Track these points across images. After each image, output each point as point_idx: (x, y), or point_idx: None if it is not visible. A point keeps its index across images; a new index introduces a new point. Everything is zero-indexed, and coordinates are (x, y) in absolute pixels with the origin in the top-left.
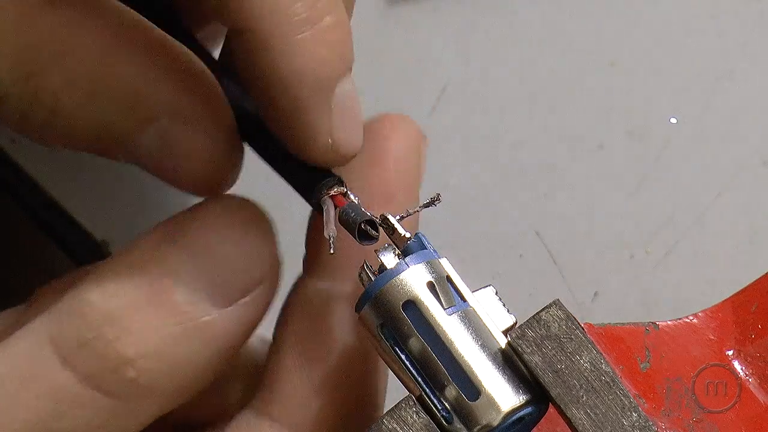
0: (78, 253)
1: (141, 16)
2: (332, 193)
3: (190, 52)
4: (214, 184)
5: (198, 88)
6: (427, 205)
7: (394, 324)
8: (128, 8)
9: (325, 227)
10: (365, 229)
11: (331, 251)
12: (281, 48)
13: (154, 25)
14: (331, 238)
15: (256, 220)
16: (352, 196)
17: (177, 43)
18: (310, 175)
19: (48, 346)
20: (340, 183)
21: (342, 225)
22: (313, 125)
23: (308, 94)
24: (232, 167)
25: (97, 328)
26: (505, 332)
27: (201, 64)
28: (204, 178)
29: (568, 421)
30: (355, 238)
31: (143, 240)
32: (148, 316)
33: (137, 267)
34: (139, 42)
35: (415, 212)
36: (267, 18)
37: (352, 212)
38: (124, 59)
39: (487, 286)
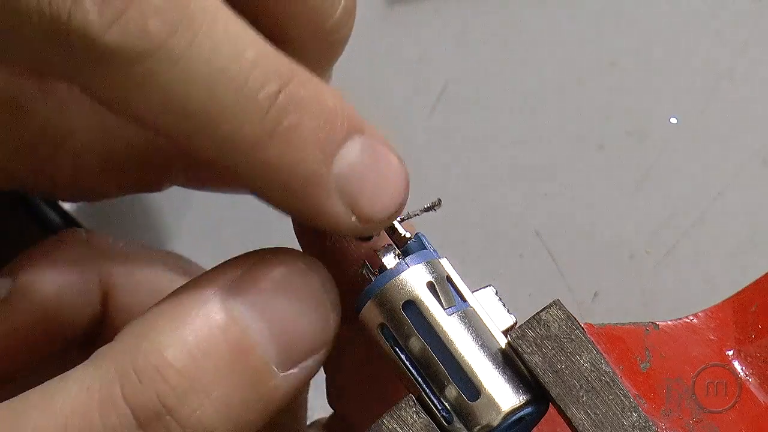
0: None
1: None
2: None
3: None
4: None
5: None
6: (428, 209)
7: (394, 324)
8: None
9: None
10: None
11: (327, 242)
12: (247, 167)
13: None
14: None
15: (328, 287)
16: None
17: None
18: None
19: (122, 408)
20: None
21: None
22: (327, 214)
23: (299, 191)
24: None
25: (181, 395)
26: (505, 332)
27: None
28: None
29: (568, 421)
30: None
31: (208, 288)
32: (230, 380)
33: (215, 325)
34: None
35: (415, 215)
36: (219, 151)
37: None
38: (122, 129)
39: (487, 286)
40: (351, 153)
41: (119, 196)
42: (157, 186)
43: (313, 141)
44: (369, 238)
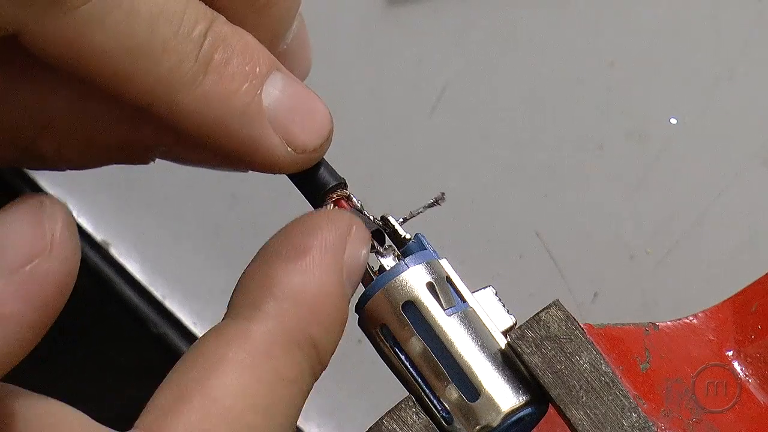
0: None
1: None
2: (334, 198)
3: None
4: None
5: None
6: (431, 205)
7: (394, 324)
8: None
9: None
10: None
11: None
12: (186, 105)
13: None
14: None
15: (31, 206)
16: (355, 200)
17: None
18: (314, 180)
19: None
20: (343, 187)
21: None
22: (263, 145)
23: (237, 125)
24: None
25: None
26: (505, 333)
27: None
28: (235, 165)
29: (568, 422)
30: None
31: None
32: None
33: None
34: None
35: (419, 213)
36: (160, 89)
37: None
38: (103, 115)
39: (487, 287)
40: (276, 86)
41: (107, 165)
42: (143, 161)
43: (242, 74)
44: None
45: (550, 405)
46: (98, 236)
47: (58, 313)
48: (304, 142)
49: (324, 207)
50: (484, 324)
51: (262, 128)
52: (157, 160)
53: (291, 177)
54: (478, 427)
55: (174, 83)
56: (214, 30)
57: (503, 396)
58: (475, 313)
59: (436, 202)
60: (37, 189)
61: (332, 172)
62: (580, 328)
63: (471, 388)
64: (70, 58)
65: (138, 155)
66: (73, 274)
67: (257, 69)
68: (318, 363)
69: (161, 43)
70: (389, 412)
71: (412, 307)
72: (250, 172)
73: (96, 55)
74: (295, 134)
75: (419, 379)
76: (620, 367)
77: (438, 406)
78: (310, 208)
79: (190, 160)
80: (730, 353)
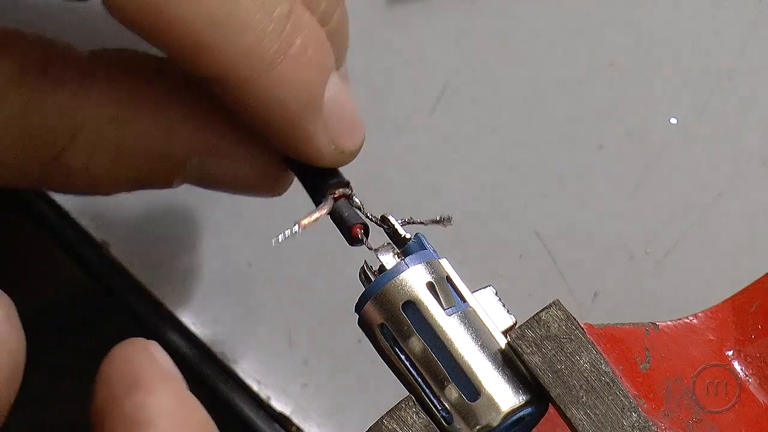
0: (78, 253)
1: (143, 72)
2: (335, 194)
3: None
4: (268, 189)
5: (218, 121)
6: (435, 222)
7: (393, 324)
8: (130, 67)
9: (302, 219)
10: (356, 233)
11: (274, 239)
12: (260, 85)
13: (159, 76)
14: (290, 232)
15: None
16: (357, 200)
17: (184, 84)
18: (320, 177)
19: None
20: (345, 186)
21: (334, 222)
22: (314, 139)
23: (299, 115)
24: (280, 176)
25: None
26: (505, 332)
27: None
28: (256, 189)
29: (568, 422)
30: (346, 239)
31: None
32: None
33: None
34: (146, 100)
35: (420, 223)
36: (240, 63)
37: (347, 211)
38: (136, 121)
39: (487, 287)
40: (334, 84)
41: (131, 191)
42: (168, 182)
43: (316, 65)
44: (362, 242)
45: (550, 405)
46: (98, 236)
47: (9, 408)
48: (345, 143)
49: (324, 202)
50: (484, 324)
51: (318, 122)
52: None
53: (297, 173)
54: (478, 427)
55: (253, 61)
56: (295, 14)
57: (503, 396)
58: (475, 312)
59: (440, 222)
60: (36, 192)
61: (338, 173)
62: (580, 328)
63: (471, 388)
64: (153, 25)
65: (168, 171)
66: (19, 367)
67: (328, 63)
68: None
69: (244, 16)
70: (389, 412)
71: (412, 306)
72: None
73: (178, 22)
74: (340, 134)
75: (419, 379)
76: (620, 367)
77: (438, 406)
78: (311, 204)
79: (217, 180)
80: (730, 353)
